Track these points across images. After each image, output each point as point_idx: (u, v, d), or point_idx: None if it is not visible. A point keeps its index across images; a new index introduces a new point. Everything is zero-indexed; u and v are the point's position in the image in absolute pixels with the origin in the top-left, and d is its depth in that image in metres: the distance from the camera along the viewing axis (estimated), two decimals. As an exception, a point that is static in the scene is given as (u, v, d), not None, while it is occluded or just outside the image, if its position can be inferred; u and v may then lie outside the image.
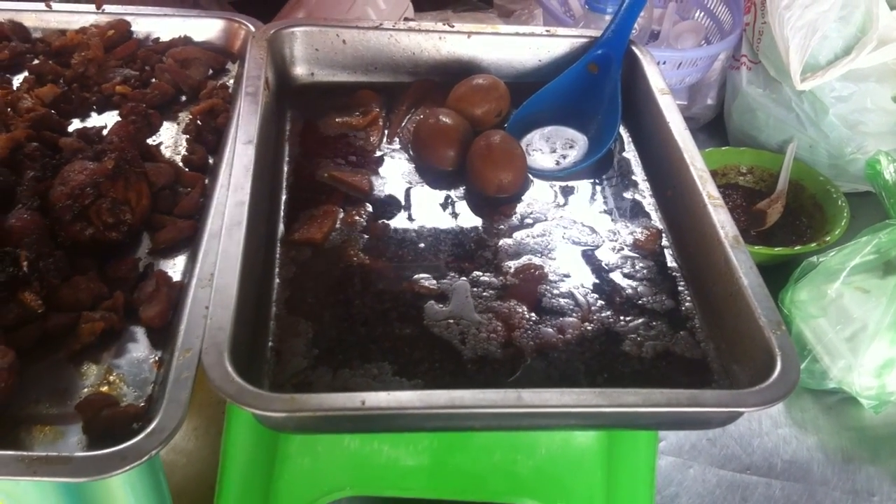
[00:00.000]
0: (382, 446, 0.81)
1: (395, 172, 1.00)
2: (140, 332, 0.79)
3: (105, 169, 0.83)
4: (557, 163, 1.03)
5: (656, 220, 0.96)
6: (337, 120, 1.06)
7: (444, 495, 0.83)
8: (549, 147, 1.05)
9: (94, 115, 1.03)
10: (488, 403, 0.70)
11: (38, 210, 0.81)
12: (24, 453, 0.65)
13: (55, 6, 1.14)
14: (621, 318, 0.84)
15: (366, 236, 0.91)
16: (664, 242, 0.93)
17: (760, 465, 1.07)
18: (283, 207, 0.93)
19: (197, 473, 1.01)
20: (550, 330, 0.83)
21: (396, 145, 1.04)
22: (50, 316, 0.76)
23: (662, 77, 1.07)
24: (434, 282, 0.87)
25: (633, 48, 1.11)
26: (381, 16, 1.56)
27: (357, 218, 0.93)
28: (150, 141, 0.97)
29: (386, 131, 1.05)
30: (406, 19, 1.50)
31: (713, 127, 1.61)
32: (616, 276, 0.89)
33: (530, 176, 1.01)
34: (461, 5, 1.96)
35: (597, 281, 0.88)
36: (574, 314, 0.84)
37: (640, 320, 0.84)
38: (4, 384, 0.68)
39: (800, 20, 1.31)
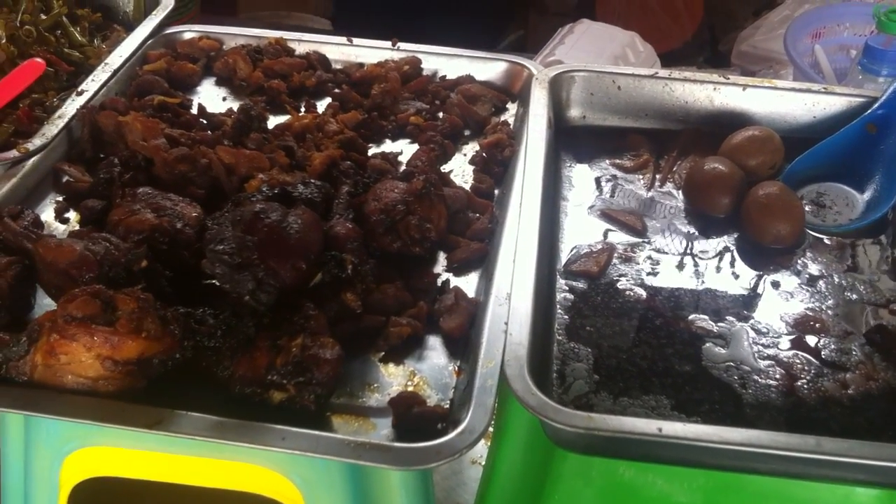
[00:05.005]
0: (657, 479, 0.82)
1: (667, 215, 1.03)
2: (437, 341, 0.86)
3: (415, 189, 0.90)
4: (834, 219, 1.02)
5: (944, 284, 0.93)
6: (608, 161, 1.10)
7: (710, 537, 0.83)
8: (823, 203, 1.04)
9: (387, 141, 1.12)
10: (785, 446, 0.70)
11: (353, 221, 0.89)
12: (351, 438, 0.72)
13: (355, 41, 1.25)
14: (909, 379, 0.83)
15: (642, 273, 0.94)
16: (953, 308, 0.90)
17: None
18: (561, 240, 0.98)
19: (448, 487, 1.06)
20: (833, 384, 0.82)
21: (668, 188, 1.06)
22: (364, 317, 0.84)
23: (948, 141, 1.05)
24: (712, 323, 0.88)
25: (916, 110, 1.09)
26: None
27: (632, 255, 0.96)
28: (442, 168, 1.05)
29: (657, 175, 1.08)
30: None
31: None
32: (902, 337, 0.87)
33: (807, 229, 1.00)
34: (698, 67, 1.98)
35: (881, 339, 0.86)
36: (857, 370, 0.83)
37: (930, 384, 0.82)
38: (333, 373, 0.76)
39: None
